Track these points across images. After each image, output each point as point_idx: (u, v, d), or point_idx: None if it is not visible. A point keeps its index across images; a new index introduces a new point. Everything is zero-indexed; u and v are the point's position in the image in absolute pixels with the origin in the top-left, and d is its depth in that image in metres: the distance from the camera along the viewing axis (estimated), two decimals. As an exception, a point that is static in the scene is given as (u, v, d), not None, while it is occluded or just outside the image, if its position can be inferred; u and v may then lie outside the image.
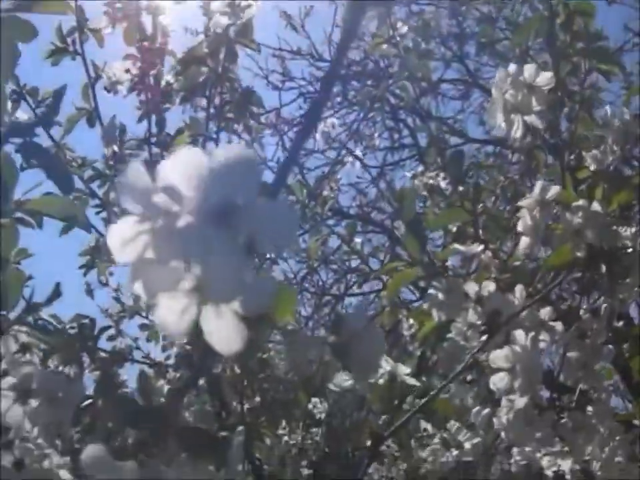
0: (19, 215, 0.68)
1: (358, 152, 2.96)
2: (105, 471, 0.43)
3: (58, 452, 0.76)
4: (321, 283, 3.02)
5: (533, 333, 0.81)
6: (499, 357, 0.80)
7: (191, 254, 0.33)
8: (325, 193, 1.87)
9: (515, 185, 1.44)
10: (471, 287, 0.88)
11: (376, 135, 3.04)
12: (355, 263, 2.91)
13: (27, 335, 0.70)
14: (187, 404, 1.34)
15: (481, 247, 1.01)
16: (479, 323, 0.86)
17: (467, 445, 0.96)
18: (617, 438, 0.97)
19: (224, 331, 0.36)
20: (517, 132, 0.85)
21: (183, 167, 0.33)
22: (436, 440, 1.00)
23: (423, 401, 0.82)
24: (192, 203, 0.33)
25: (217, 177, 0.33)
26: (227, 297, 0.34)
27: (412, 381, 0.79)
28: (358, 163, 2.92)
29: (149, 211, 0.33)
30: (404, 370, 0.79)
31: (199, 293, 0.35)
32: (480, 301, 0.86)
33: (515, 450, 0.97)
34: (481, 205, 1.21)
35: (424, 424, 1.16)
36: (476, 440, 0.95)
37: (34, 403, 0.64)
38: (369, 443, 0.86)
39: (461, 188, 1.31)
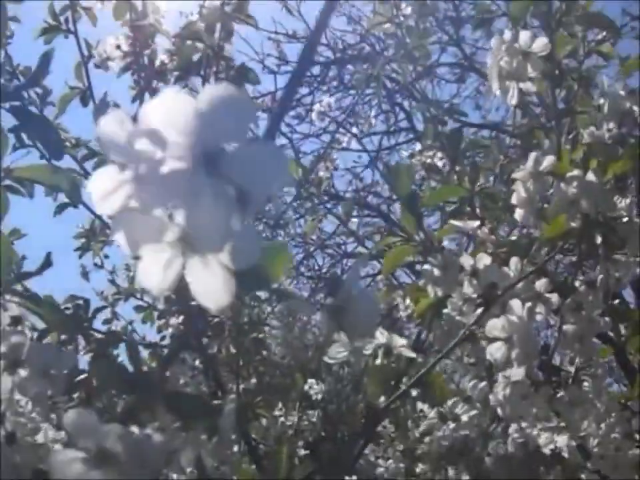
0: (8, 182, 0.67)
1: (354, 130, 2.95)
2: (88, 434, 0.42)
3: (53, 426, 0.76)
4: (317, 268, 3.02)
5: (529, 304, 0.80)
6: (495, 326, 0.80)
7: (175, 201, 0.32)
8: (321, 173, 1.86)
9: (511, 164, 1.42)
10: (467, 261, 0.87)
11: (372, 115, 3.03)
12: (350, 247, 2.91)
13: (17, 305, 0.69)
14: (182, 385, 1.34)
15: (478, 223, 1.00)
16: (474, 296, 0.85)
17: (464, 418, 0.95)
18: (614, 415, 0.97)
19: (211, 284, 0.34)
20: (512, 99, 0.85)
21: (167, 110, 0.31)
22: (432, 414, 0.99)
23: (419, 374, 0.81)
24: (177, 147, 0.31)
25: (204, 120, 0.31)
26: (214, 247, 0.33)
27: (408, 353, 0.78)
28: (354, 143, 2.91)
29: (132, 157, 0.32)
30: (399, 341, 0.78)
31: (184, 243, 0.34)
32: (475, 274, 0.86)
33: (512, 428, 0.97)
34: (478, 183, 1.20)
35: (421, 405, 1.16)
36: (473, 412, 0.94)
37: (23, 373, 0.63)
38: (364, 419, 0.86)
39: (458, 167, 1.30)
